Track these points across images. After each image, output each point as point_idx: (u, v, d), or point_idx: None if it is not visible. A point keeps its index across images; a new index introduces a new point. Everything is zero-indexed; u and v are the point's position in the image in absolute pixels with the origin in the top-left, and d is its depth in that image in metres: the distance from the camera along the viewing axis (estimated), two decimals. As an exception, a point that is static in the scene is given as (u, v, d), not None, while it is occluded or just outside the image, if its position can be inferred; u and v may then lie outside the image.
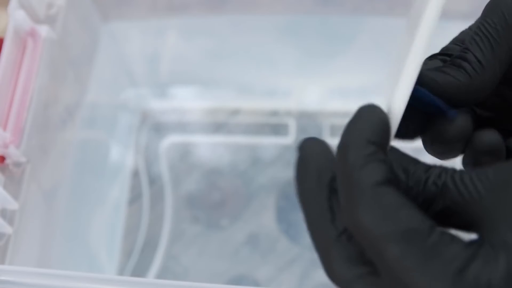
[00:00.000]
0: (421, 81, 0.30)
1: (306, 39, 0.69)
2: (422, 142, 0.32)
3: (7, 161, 0.47)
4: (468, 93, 0.31)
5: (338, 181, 0.27)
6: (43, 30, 0.51)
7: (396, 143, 0.29)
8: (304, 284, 0.67)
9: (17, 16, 0.49)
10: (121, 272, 0.68)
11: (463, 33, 0.34)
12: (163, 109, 0.76)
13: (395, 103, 0.28)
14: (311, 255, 0.68)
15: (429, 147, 0.32)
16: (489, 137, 0.32)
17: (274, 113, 0.75)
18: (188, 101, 0.76)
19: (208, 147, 0.74)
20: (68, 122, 0.59)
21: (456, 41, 0.34)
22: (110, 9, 0.64)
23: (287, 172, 0.71)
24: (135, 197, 0.72)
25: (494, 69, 0.31)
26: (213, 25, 0.67)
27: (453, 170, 0.27)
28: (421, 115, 0.32)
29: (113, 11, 0.64)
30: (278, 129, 0.74)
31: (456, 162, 0.33)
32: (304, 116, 0.74)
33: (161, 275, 0.68)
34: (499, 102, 0.33)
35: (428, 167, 0.28)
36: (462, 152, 0.32)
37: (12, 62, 0.49)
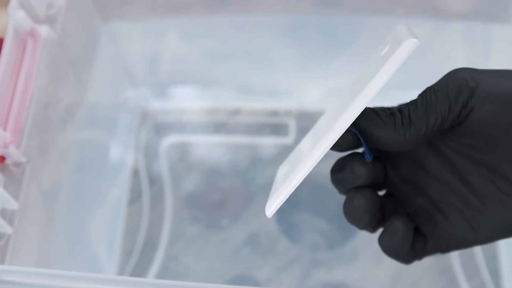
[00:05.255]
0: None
1: (306, 39, 0.69)
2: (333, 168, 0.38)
3: (7, 161, 0.47)
4: (388, 140, 0.35)
5: None
6: (43, 30, 0.51)
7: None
8: (304, 284, 0.67)
9: (17, 16, 0.49)
10: (121, 272, 0.68)
11: None
12: (163, 109, 0.76)
13: (338, 125, 0.35)
14: (311, 255, 0.68)
15: (336, 172, 0.38)
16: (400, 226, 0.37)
17: (274, 113, 0.75)
18: (188, 101, 0.76)
19: (208, 147, 0.74)
20: (68, 122, 0.58)
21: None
22: (110, 9, 0.64)
23: (287, 172, 0.71)
24: (135, 197, 0.72)
25: (420, 128, 0.35)
26: (213, 25, 0.67)
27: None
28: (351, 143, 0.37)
29: (113, 11, 0.64)
30: (278, 129, 0.74)
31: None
32: (304, 116, 0.74)
33: (161, 275, 0.68)
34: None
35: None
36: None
37: (12, 62, 0.49)
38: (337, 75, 0.73)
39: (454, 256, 0.67)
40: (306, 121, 0.74)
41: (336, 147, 0.37)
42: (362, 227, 0.39)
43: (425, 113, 0.34)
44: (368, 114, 0.36)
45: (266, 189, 0.71)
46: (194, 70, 0.74)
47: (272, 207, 0.37)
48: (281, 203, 0.37)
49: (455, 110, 0.34)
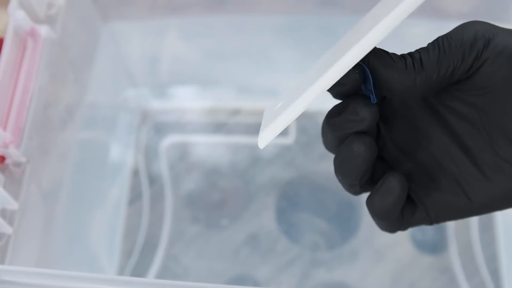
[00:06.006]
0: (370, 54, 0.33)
1: (306, 39, 0.69)
2: (332, 111, 0.36)
3: (7, 161, 0.47)
4: (398, 83, 0.33)
5: None
6: (43, 30, 0.51)
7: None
8: (303, 284, 0.67)
9: (17, 16, 0.49)
10: (121, 272, 0.68)
11: None
12: (163, 109, 0.76)
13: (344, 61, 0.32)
14: (311, 255, 0.68)
15: (334, 116, 0.35)
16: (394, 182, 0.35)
17: (274, 113, 0.75)
18: (187, 101, 0.76)
19: (208, 147, 0.74)
20: (68, 122, 0.59)
21: None
22: (110, 9, 0.64)
23: (287, 172, 0.71)
24: (135, 197, 0.72)
25: (431, 74, 0.33)
26: (213, 25, 0.67)
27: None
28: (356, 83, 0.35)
29: (113, 11, 0.64)
30: (278, 129, 0.74)
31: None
32: (304, 116, 0.74)
33: (161, 275, 0.68)
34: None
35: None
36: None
37: (12, 62, 0.49)
38: (337, 75, 0.73)
39: (454, 256, 0.67)
40: (306, 121, 0.74)
41: (338, 86, 0.34)
42: (351, 181, 0.36)
43: (437, 59, 0.33)
44: (379, 52, 0.34)
45: (266, 189, 0.71)
46: (194, 70, 0.74)
47: (267, 137, 0.35)
48: (278, 132, 0.35)
49: (468, 60, 0.33)
